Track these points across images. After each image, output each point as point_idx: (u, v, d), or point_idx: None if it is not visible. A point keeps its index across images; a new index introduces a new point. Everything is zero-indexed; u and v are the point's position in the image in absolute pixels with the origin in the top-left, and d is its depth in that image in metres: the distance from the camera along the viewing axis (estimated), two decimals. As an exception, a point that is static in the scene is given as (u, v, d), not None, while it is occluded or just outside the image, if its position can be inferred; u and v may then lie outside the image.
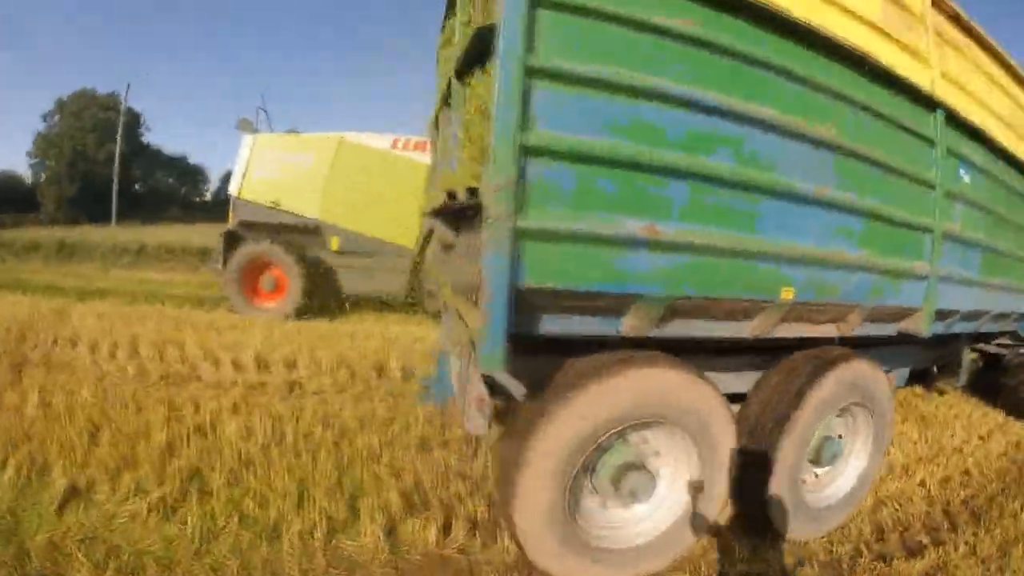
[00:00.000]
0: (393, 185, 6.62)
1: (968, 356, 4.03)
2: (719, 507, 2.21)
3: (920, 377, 3.77)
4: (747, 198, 1.94)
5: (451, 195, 1.80)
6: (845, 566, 2.29)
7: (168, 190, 41.81)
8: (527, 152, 1.48)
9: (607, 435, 1.85)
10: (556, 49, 1.53)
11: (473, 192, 1.63)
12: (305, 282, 6.72)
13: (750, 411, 2.34)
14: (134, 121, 35.53)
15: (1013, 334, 3.86)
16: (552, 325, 1.72)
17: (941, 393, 4.58)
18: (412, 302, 7.27)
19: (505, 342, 1.48)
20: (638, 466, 1.98)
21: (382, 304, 7.44)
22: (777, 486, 2.22)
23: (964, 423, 4.14)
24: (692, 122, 1.78)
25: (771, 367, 2.44)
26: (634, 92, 1.64)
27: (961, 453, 3.55)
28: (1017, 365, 4.23)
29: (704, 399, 2.03)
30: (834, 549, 2.42)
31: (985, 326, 3.43)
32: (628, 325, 1.85)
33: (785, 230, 2.06)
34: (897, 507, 2.77)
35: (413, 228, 6.60)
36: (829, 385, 2.31)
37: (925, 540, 2.47)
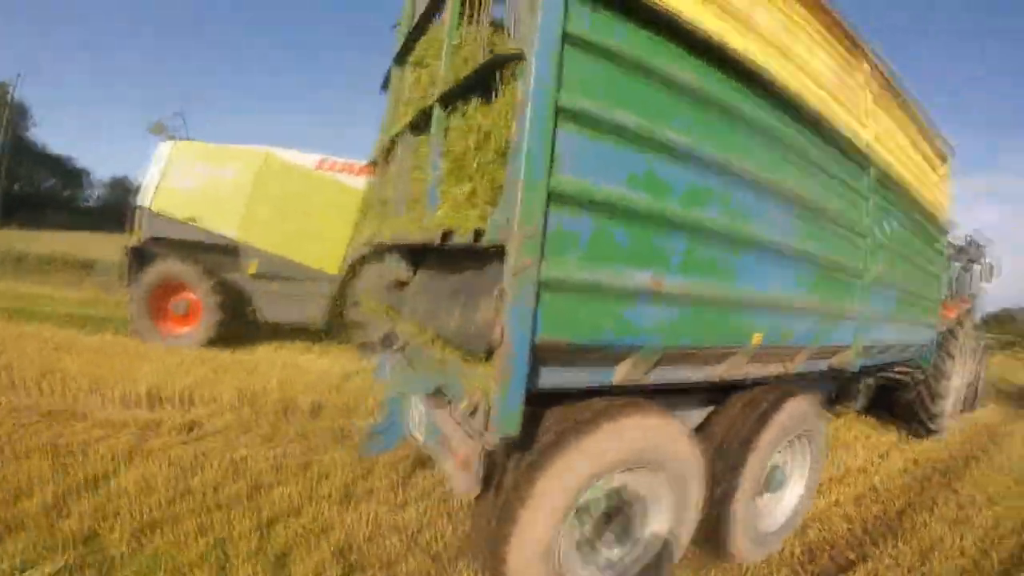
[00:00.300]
0: (318, 207, 6.45)
1: (865, 381, 4.67)
2: (685, 544, 2.34)
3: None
4: (731, 250, 2.11)
5: (446, 234, 1.73)
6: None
7: (47, 193, 38.02)
8: (551, 199, 1.47)
9: (601, 478, 1.89)
10: (581, 90, 1.55)
11: (479, 234, 1.57)
12: (222, 309, 6.28)
13: (711, 443, 2.51)
14: (19, 115, 31.72)
15: (912, 361, 4.54)
16: (550, 379, 1.70)
17: (838, 416, 5.22)
18: (326, 331, 7.04)
19: (524, 401, 1.45)
20: (621, 510, 2.04)
21: (285, 332, 7.11)
22: (738, 512, 2.41)
23: (864, 444, 4.78)
24: (692, 176, 1.90)
25: (721, 403, 2.64)
26: (650, 143, 1.71)
27: (866, 472, 4.09)
28: (913, 393, 4.98)
29: (681, 442, 2.14)
30: (773, 572, 2.67)
31: (892, 355, 3.99)
32: (620, 375, 1.90)
33: (757, 280, 2.27)
34: (821, 527, 3.13)
35: (336, 254, 6.45)
36: (783, 418, 2.56)
37: (852, 556, 2.82)
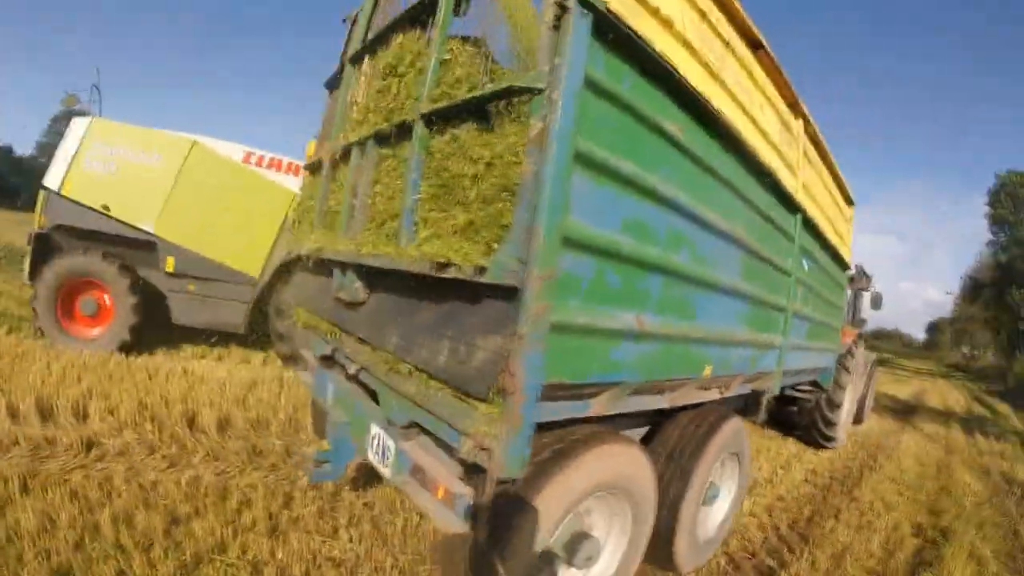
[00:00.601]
0: (243, 204, 6.20)
1: (768, 398, 5.32)
2: (639, 560, 2.55)
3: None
4: (693, 291, 2.35)
5: (442, 265, 1.75)
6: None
7: None
8: (563, 242, 1.57)
9: (578, 506, 2.02)
10: (592, 134, 1.65)
11: (481, 271, 1.62)
12: (137, 310, 5.85)
13: (658, 459, 2.73)
14: None
15: (814, 382, 5.23)
16: (538, 416, 1.79)
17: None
18: (256, 335, 6.75)
19: (530, 444, 1.53)
20: (586, 534, 2.18)
21: (177, 335, 6.69)
22: (685, 524, 2.67)
23: (766, 456, 5.42)
24: (671, 222, 2.10)
25: (658, 423, 2.89)
26: (642, 189, 1.87)
27: (772, 483, 4.66)
28: (812, 405, 5.74)
29: (641, 466, 2.34)
30: None
31: (803, 377, 4.59)
32: (597, 408, 2.05)
33: (711, 317, 2.54)
34: (740, 537, 3.54)
35: (258, 255, 6.23)
36: (721, 438, 2.87)
37: (773, 563, 3.21)
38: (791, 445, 6.01)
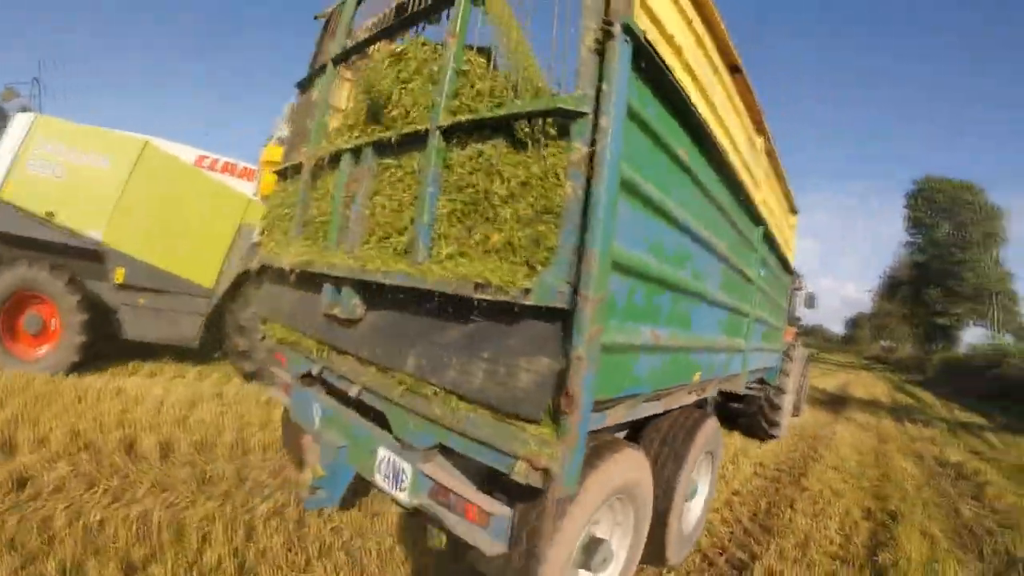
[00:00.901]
0: (197, 211, 6.09)
1: (712, 395, 5.79)
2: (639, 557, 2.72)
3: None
4: (691, 304, 2.57)
5: (479, 286, 1.79)
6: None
7: None
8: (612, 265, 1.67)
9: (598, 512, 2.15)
10: (632, 160, 1.77)
11: (525, 292, 1.67)
12: (87, 327, 5.58)
13: (650, 455, 2.92)
14: None
15: (762, 379, 5.74)
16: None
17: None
18: (226, 351, 6.63)
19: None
20: (600, 539, 2.32)
21: (105, 351, 6.33)
22: (675, 519, 2.89)
23: (716, 451, 5.86)
24: (679, 242, 2.29)
25: (643, 426, 3.05)
26: (662, 213, 2.04)
27: (725, 478, 5.06)
28: (759, 400, 6.29)
29: (645, 470, 2.51)
30: None
31: (757, 376, 5.04)
32: (611, 419, 2.19)
33: (702, 327, 2.77)
34: (708, 533, 3.84)
35: (211, 265, 6.11)
36: (705, 435, 3.12)
37: (743, 556, 3.51)
38: (736, 440, 6.54)
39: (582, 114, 1.66)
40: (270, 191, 6.39)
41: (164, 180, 5.93)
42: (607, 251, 1.61)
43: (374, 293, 2.35)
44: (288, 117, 6.89)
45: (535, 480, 1.63)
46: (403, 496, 2.11)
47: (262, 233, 3.32)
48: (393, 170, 2.35)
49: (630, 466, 2.36)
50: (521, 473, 1.64)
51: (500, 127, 1.92)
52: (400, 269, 2.07)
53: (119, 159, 5.76)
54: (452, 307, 1.93)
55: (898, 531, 4.08)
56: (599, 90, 1.65)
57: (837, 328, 78.68)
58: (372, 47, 2.80)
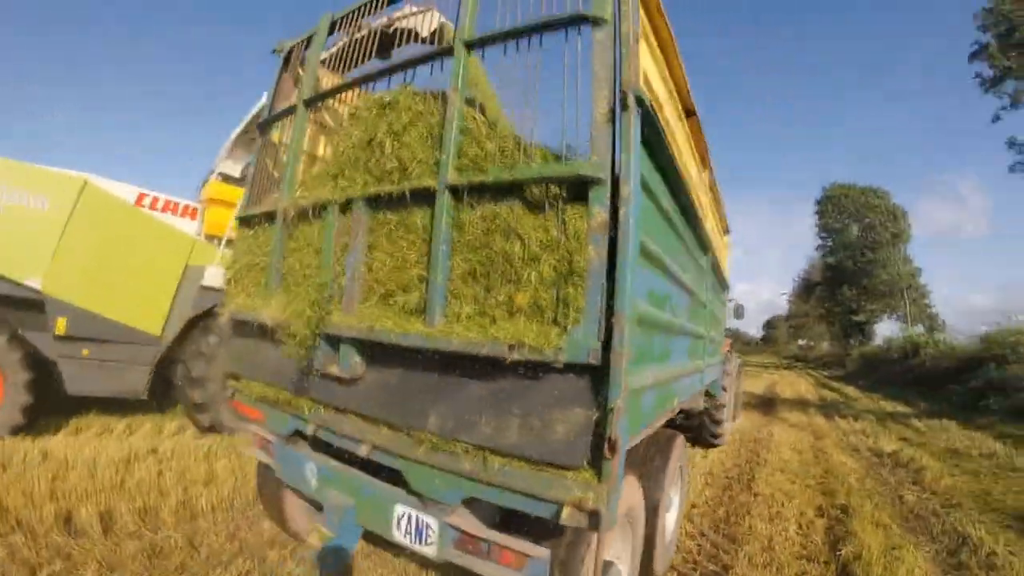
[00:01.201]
0: (140, 253, 5.99)
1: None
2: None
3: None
4: (671, 338, 2.88)
5: (511, 347, 1.92)
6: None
7: None
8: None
9: None
10: (642, 223, 2.02)
11: (558, 351, 1.83)
12: (31, 387, 5.42)
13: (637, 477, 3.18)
14: None
15: (707, 392, 6.26)
16: None
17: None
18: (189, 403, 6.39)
19: None
20: (610, 562, 2.52)
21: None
22: (660, 533, 3.14)
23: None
24: (666, 287, 2.60)
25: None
26: (658, 264, 2.31)
27: (680, 491, 5.46)
28: (701, 411, 6.82)
29: (639, 493, 2.76)
30: None
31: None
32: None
33: (678, 357, 3.10)
34: (677, 550, 4.12)
35: (159, 310, 6.01)
36: (677, 452, 3.45)
37: (715, 568, 3.83)
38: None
39: (599, 180, 1.88)
40: (217, 230, 6.29)
41: (105, 221, 5.73)
42: (633, 310, 1.83)
43: (376, 351, 2.39)
44: (230, 152, 6.79)
45: (581, 522, 1.81)
46: (430, 550, 2.20)
47: (229, 283, 3.23)
48: (393, 226, 2.43)
49: (631, 491, 2.60)
50: (569, 517, 1.81)
51: (513, 189, 2.08)
52: (419, 330, 2.15)
53: (57, 199, 5.50)
54: (476, 366, 2.05)
55: (853, 524, 4.58)
56: (613, 157, 1.88)
57: (754, 331, 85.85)
58: (345, 92, 2.87)
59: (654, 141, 2.18)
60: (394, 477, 2.41)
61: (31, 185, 5.44)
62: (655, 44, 2.55)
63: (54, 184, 5.55)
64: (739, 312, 9.18)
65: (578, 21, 2.03)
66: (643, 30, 2.21)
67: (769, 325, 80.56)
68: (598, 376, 1.81)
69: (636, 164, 1.89)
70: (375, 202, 2.50)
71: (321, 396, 2.63)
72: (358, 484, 2.52)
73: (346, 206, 2.60)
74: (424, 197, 2.29)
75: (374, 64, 2.83)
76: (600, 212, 1.87)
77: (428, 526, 2.22)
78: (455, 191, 2.20)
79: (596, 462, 1.79)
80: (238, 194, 6.43)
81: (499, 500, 2.01)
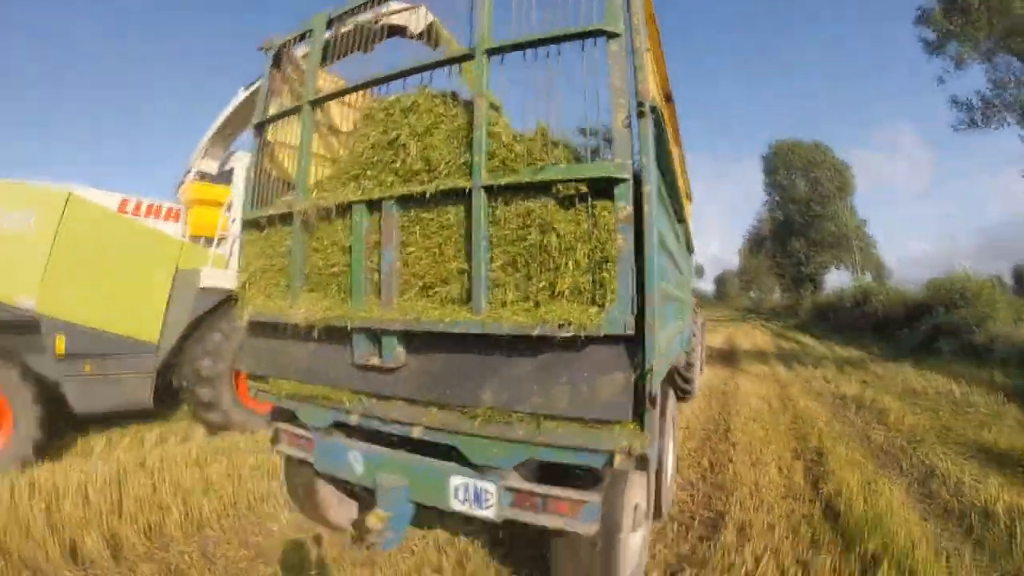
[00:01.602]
0: (130, 260, 6.11)
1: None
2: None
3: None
4: (667, 303, 3.38)
5: (561, 325, 2.27)
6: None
7: None
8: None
9: None
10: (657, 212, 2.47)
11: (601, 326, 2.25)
12: (43, 423, 5.46)
13: None
14: None
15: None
16: None
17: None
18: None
19: None
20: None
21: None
22: (664, 477, 3.70)
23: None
24: (664, 262, 3.05)
25: None
26: (663, 246, 2.75)
27: (663, 446, 6.10)
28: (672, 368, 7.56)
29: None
30: (666, 530, 4.02)
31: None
32: None
33: (673, 321, 3.62)
34: (673, 501, 4.61)
35: (154, 316, 6.11)
36: (671, 404, 4.00)
37: (711, 514, 4.27)
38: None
39: (624, 179, 2.31)
40: (202, 231, 6.36)
41: (93, 233, 5.74)
42: (658, 287, 2.30)
43: (416, 340, 2.74)
44: (207, 150, 6.78)
45: (629, 465, 2.30)
46: (490, 512, 2.63)
47: (243, 287, 3.43)
48: (426, 223, 2.77)
49: None
50: (621, 463, 2.29)
51: (543, 187, 2.47)
52: (467, 318, 2.54)
53: (42, 214, 5.49)
54: (521, 344, 2.46)
55: (830, 464, 5.20)
56: (634, 160, 2.32)
57: (705, 286, 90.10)
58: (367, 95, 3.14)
59: (658, 138, 2.61)
60: (443, 452, 2.80)
61: (15, 202, 5.42)
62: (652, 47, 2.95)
63: (38, 199, 5.54)
64: (699, 272, 9.99)
65: (594, 34, 2.42)
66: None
67: (720, 280, 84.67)
68: (633, 345, 2.28)
69: (654, 165, 2.33)
70: (406, 201, 2.81)
71: (362, 386, 2.95)
72: (409, 464, 2.89)
73: (373, 205, 2.90)
74: (457, 196, 2.64)
75: (389, 64, 3.05)
76: (625, 206, 2.30)
77: (486, 491, 2.64)
78: (489, 190, 2.56)
79: (638, 415, 2.28)
80: (220, 192, 6.53)
81: (555, 457, 2.46)
